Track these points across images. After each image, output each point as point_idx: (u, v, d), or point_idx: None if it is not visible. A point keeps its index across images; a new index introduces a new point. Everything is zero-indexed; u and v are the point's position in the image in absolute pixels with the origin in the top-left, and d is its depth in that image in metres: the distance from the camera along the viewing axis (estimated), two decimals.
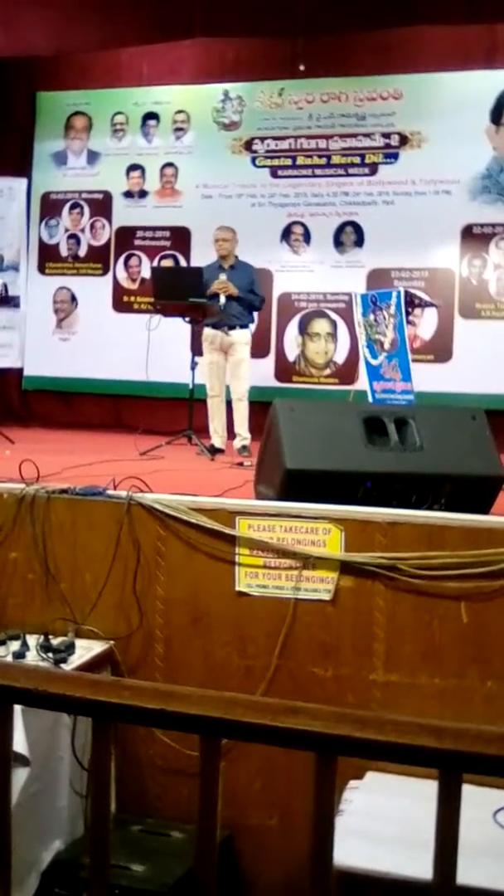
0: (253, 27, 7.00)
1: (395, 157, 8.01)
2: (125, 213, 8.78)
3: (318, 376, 8.23)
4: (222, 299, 6.44)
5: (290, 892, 3.59)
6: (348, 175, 8.12)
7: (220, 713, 1.51)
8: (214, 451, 6.43)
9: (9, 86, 8.90)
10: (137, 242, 8.74)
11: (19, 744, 3.05)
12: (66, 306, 8.94)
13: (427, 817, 1.50)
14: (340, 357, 8.15)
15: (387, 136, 8.02)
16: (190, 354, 6.71)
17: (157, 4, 6.86)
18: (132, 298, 8.70)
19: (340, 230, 8.16)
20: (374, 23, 6.85)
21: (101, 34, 7.11)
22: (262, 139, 8.34)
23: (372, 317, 6.27)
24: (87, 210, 8.90)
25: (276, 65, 7.99)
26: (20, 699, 1.67)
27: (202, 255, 7.53)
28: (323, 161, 8.19)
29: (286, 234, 8.30)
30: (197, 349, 6.71)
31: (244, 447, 6.37)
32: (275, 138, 8.31)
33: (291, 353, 8.30)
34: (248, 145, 8.39)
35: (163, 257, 8.63)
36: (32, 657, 3.53)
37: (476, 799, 1.72)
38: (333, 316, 8.16)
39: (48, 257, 8.98)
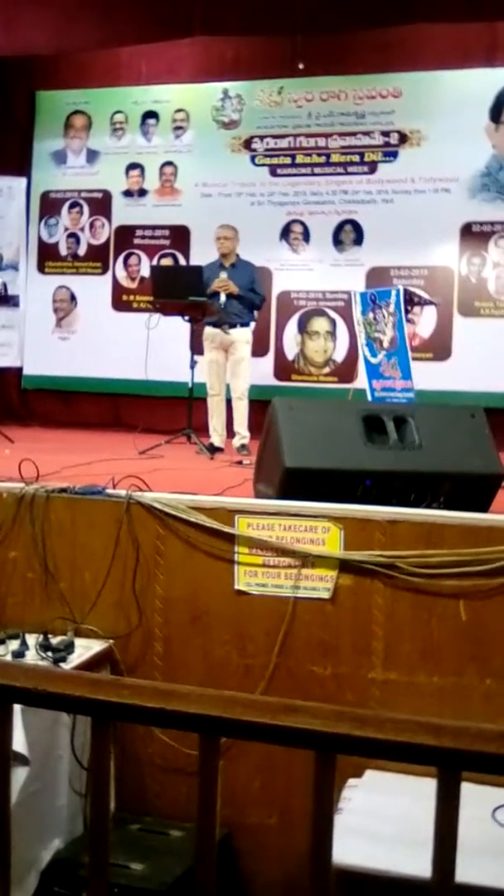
0: (252, 26, 7.00)
1: (395, 155, 8.01)
2: (124, 212, 8.79)
3: (318, 375, 8.23)
4: (223, 298, 6.44)
5: (289, 890, 3.59)
6: (347, 173, 8.12)
7: (220, 712, 1.51)
8: (214, 449, 6.43)
9: (9, 85, 8.90)
10: (137, 241, 8.74)
11: (19, 743, 3.05)
12: (65, 305, 8.94)
13: (426, 815, 1.50)
14: (339, 355, 8.15)
15: (386, 134, 8.02)
16: (189, 353, 6.71)
17: (156, 3, 6.86)
18: (131, 297, 8.70)
19: (340, 228, 8.17)
20: (373, 21, 6.85)
21: (101, 33, 7.12)
22: (262, 138, 8.34)
23: (371, 315, 6.27)
24: (86, 209, 8.90)
25: (275, 63, 7.99)
26: (20, 698, 1.67)
27: (201, 254, 7.53)
28: (322, 159, 8.19)
29: (285, 232, 8.30)
30: (196, 348, 6.71)
31: (243, 446, 6.37)
32: (274, 137, 8.31)
33: (291, 351, 8.30)
34: (248, 144, 8.39)
35: (162, 256, 8.63)
36: (32, 656, 3.53)
37: (475, 797, 1.73)
38: (333, 314, 8.16)
39: (47, 256, 8.98)
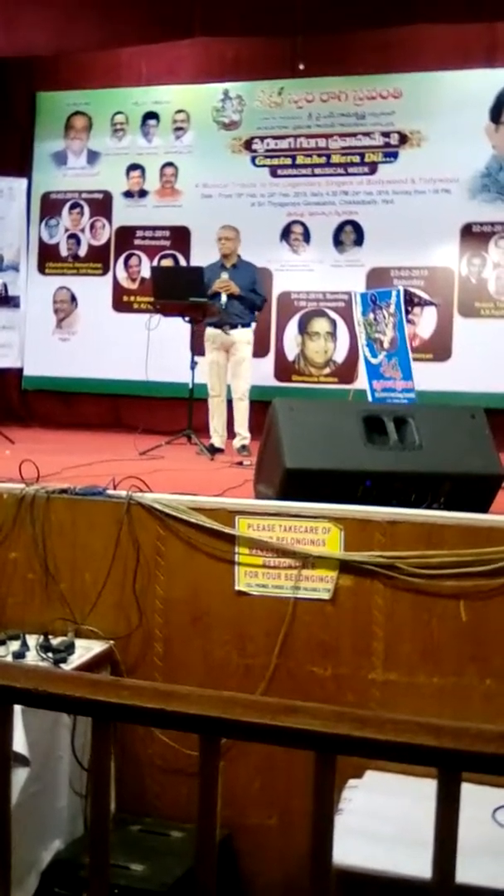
0: (252, 26, 7.00)
1: (395, 156, 8.01)
2: (125, 213, 8.79)
3: (318, 375, 8.23)
4: (224, 298, 6.45)
5: (289, 891, 3.59)
6: (348, 174, 8.12)
7: (220, 712, 1.51)
8: (214, 450, 6.43)
9: (9, 86, 8.90)
10: (137, 242, 8.74)
11: (19, 744, 3.05)
12: (65, 306, 8.94)
13: (426, 816, 1.50)
14: (340, 356, 8.15)
15: (386, 135, 8.02)
16: (189, 354, 6.71)
17: (156, 4, 6.86)
18: (132, 298, 8.70)
19: (340, 229, 8.17)
20: (373, 22, 6.85)
21: (101, 34, 7.12)
22: (262, 138, 8.34)
23: (371, 316, 6.27)
24: (86, 210, 8.90)
25: (275, 64, 8.00)
26: (20, 699, 1.67)
27: (202, 255, 7.53)
28: (322, 160, 8.19)
29: (286, 233, 8.30)
30: (197, 349, 6.71)
31: (244, 446, 6.37)
32: (274, 137, 8.31)
33: (291, 352, 8.30)
34: (248, 145, 8.39)
35: (162, 257, 8.63)
36: (32, 657, 3.53)
37: (475, 797, 1.72)
38: (333, 315, 8.16)
39: (48, 257, 8.98)
